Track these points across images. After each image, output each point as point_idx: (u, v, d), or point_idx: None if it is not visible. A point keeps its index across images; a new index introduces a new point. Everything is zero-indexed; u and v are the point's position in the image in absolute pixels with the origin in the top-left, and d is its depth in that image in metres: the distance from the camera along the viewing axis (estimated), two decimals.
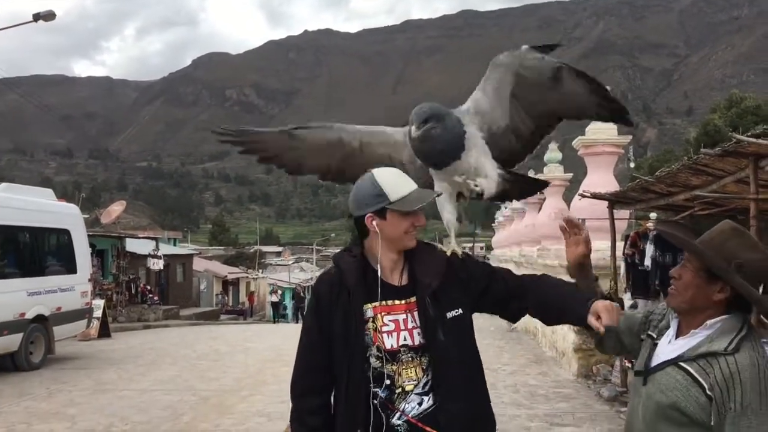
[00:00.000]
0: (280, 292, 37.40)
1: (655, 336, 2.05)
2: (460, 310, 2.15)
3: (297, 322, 30.08)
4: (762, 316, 1.96)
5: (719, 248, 1.86)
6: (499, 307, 2.28)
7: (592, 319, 2.00)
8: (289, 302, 42.33)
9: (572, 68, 2.34)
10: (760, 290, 1.91)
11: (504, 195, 2.56)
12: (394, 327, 2.12)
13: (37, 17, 18.22)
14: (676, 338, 1.95)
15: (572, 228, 2.25)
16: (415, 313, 2.12)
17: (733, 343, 1.81)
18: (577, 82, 2.36)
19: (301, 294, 35.81)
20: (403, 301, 2.14)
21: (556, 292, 2.17)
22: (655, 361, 1.98)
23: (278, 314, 35.05)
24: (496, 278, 2.24)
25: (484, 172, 2.37)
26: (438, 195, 2.25)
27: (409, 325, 2.12)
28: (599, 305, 2.00)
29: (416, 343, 2.11)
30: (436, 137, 2.27)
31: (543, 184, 2.89)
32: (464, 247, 2.38)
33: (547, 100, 2.43)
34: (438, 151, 2.30)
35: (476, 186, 2.36)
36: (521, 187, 2.67)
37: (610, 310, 1.98)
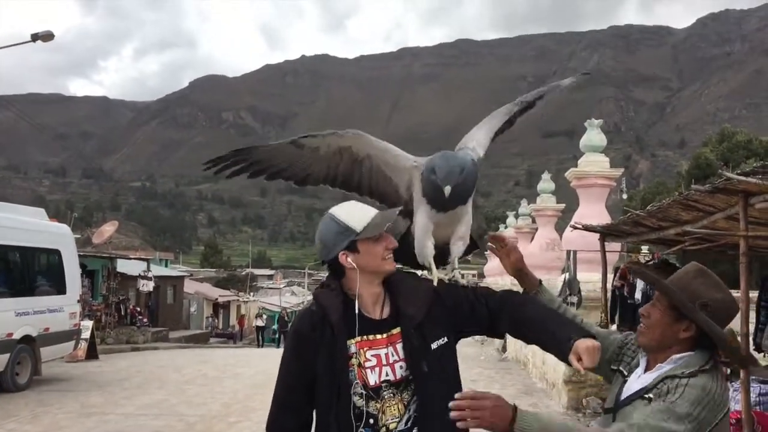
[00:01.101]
0: (265, 316, 36.46)
1: (625, 373, 2.12)
2: (445, 339, 2.14)
3: (279, 347, 29.67)
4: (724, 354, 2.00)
5: (685, 288, 1.95)
6: (481, 329, 2.26)
7: (573, 359, 1.99)
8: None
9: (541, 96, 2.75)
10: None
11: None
12: (376, 362, 2.09)
13: (35, 37, 18.32)
14: (644, 373, 2.02)
15: (499, 242, 2.36)
16: (398, 346, 2.10)
17: (693, 370, 1.88)
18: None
19: (285, 318, 34.44)
20: (384, 335, 2.11)
21: (540, 320, 2.15)
22: (624, 396, 2.04)
23: (264, 338, 34.26)
24: (479, 301, 2.23)
25: (467, 224, 2.38)
26: (399, 212, 2.23)
27: (391, 360, 2.09)
28: (581, 346, 1.98)
29: (398, 377, 2.09)
30: (460, 193, 2.26)
31: (475, 247, 2.65)
32: (451, 274, 2.37)
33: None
34: (456, 201, 2.29)
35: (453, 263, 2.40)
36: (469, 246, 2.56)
37: (592, 352, 1.97)
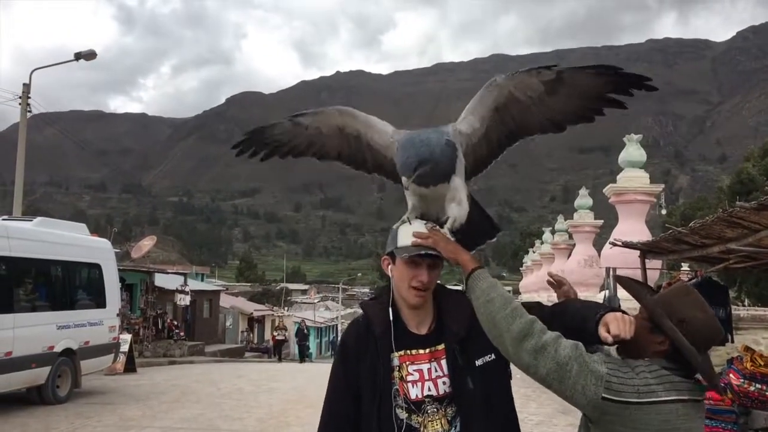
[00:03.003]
0: (285, 331, 34.11)
1: None
2: (493, 356, 2.10)
3: (302, 361, 29.06)
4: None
5: (666, 303, 2.00)
6: None
7: (602, 330, 1.90)
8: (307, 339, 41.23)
9: (572, 68, 2.23)
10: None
11: (466, 234, 2.32)
12: (419, 377, 2.09)
13: (78, 56, 18.80)
14: None
15: (557, 282, 2.33)
16: (442, 362, 2.10)
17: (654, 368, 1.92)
18: (579, 75, 2.22)
19: (304, 331, 32.73)
20: (426, 350, 2.12)
21: (576, 309, 2.09)
22: None
23: (280, 353, 31.67)
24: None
25: (459, 197, 2.31)
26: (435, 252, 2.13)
27: (434, 375, 2.09)
28: (609, 316, 1.91)
29: (440, 392, 2.08)
30: (428, 174, 2.18)
31: (497, 230, 2.55)
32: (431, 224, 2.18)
33: (534, 112, 2.32)
34: (429, 180, 2.21)
35: (447, 217, 2.27)
36: (482, 226, 2.46)
37: (620, 320, 1.90)
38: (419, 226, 2.16)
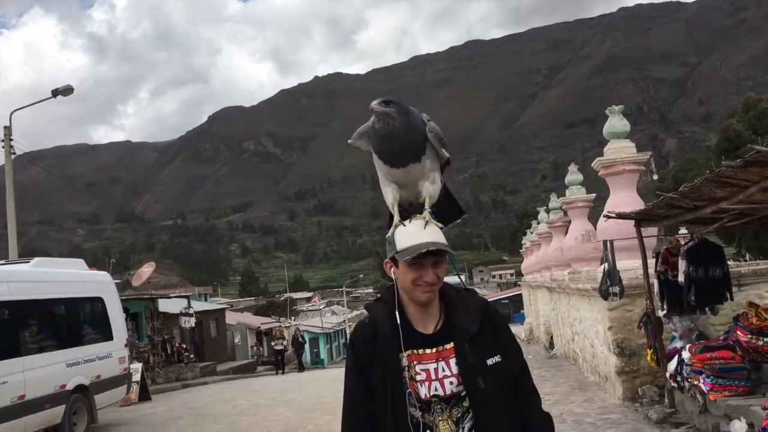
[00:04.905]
0: (284, 341, 32.89)
1: None
2: (499, 358, 2.12)
3: (300, 370, 28.72)
4: None
5: None
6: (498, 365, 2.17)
7: None
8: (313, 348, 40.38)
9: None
10: None
11: (440, 214, 2.34)
12: (425, 376, 2.10)
13: (56, 93, 18.76)
14: None
15: None
16: (451, 361, 2.10)
17: None
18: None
19: (300, 339, 31.87)
20: (433, 350, 2.12)
21: None
22: None
23: (283, 362, 29.26)
24: (522, 364, 2.21)
25: (432, 177, 2.33)
26: (451, 253, 2.20)
27: (440, 375, 2.10)
28: None
29: (447, 392, 2.09)
30: (398, 134, 2.21)
31: (463, 213, 2.59)
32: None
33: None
34: (400, 152, 2.25)
35: (424, 198, 2.30)
36: (451, 208, 2.51)
37: None
38: (417, 224, 2.17)
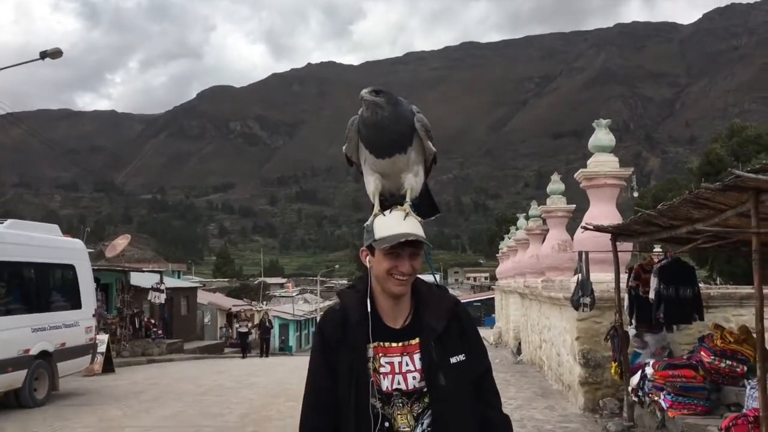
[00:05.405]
0: (248, 323, 31.51)
1: None
2: (464, 357, 2.14)
3: (262, 357, 27.95)
4: None
5: None
6: (462, 363, 2.19)
7: None
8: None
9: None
10: None
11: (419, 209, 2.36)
12: (389, 369, 2.11)
13: (44, 55, 18.46)
14: None
15: None
16: (415, 356, 2.11)
17: None
18: None
19: (267, 324, 30.29)
20: (399, 344, 2.13)
21: None
22: None
23: (247, 346, 28.84)
24: (485, 364, 2.24)
25: (416, 169, 2.34)
26: (428, 246, 2.22)
27: (404, 369, 2.11)
28: None
29: (410, 387, 2.10)
30: (386, 124, 2.23)
31: (437, 211, 2.59)
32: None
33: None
34: (387, 142, 2.26)
35: (406, 189, 2.32)
36: (428, 204, 2.51)
37: None
38: (397, 215, 2.18)
